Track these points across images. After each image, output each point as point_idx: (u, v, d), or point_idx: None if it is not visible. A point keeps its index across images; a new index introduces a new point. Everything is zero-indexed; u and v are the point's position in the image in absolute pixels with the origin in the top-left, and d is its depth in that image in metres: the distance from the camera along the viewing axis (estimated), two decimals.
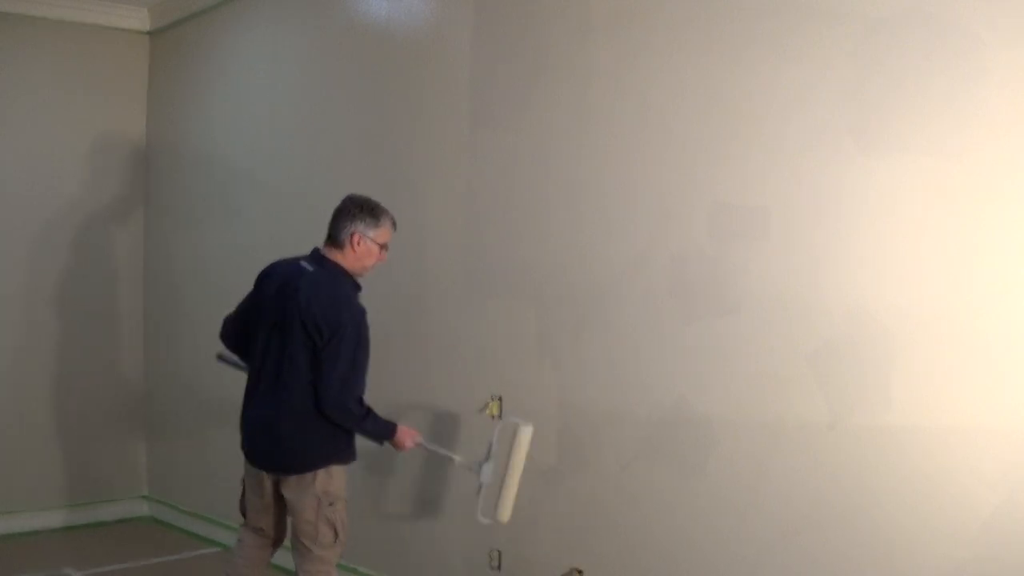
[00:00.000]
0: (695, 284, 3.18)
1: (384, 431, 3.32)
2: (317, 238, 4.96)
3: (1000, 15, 2.52)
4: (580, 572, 3.51)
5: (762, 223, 3.00)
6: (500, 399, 3.80)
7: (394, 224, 3.37)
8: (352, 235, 3.26)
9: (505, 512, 3.46)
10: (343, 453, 3.27)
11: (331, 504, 3.21)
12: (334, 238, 3.30)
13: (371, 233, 3.28)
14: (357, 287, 3.34)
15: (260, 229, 4.97)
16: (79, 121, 5.65)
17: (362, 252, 3.28)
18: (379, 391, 4.32)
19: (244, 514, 3.44)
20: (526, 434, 3.45)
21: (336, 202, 4.22)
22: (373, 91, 4.43)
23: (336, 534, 3.23)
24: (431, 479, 4.13)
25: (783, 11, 2.96)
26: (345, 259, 3.29)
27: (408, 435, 3.39)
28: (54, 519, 5.50)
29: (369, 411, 3.25)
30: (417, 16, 4.22)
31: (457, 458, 3.59)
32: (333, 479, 3.23)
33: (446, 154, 4.07)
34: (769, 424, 2.98)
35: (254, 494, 3.36)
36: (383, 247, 3.33)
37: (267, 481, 3.30)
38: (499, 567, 3.81)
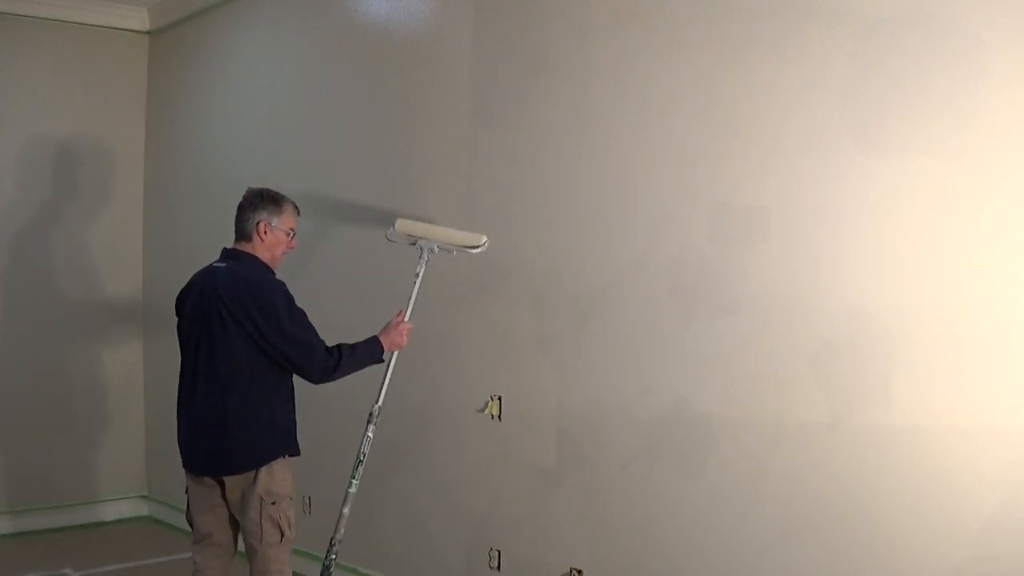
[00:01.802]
0: (695, 284, 3.18)
1: (372, 351, 3.36)
2: (316, 238, 4.97)
3: (1000, 15, 2.52)
4: (580, 572, 3.51)
5: (762, 223, 3.00)
6: (500, 399, 3.80)
7: (296, 209, 3.42)
8: (258, 224, 3.32)
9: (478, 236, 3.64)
10: (284, 448, 3.26)
11: (274, 503, 3.20)
12: (241, 231, 3.36)
13: (275, 220, 3.34)
14: (272, 275, 3.35)
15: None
16: (79, 121, 5.66)
17: (271, 241, 3.34)
18: (377, 391, 4.33)
19: (192, 525, 3.40)
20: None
21: (337, 201, 4.23)
22: (373, 91, 4.43)
23: (282, 532, 3.22)
24: (431, 479, 4.13)
25: (783, 11, 2.96)
26: (256, 251, 3.34)
27: (397, 334, 3.45)
28: (54, 519, 5.50)
29: (340, 351, 3.26)
30: (417, 16, 4.22)
31: (420, 272, 3.64)
32: (275, 478, 3.21)
33: (446, 154, 4.07)
34: (769, 424, 2.98)
35: (201, 500, 3.33)
36: (289, 233, 3.38)
37: (212, 485, 3.28)
38: (499, 567, 3.81)
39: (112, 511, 5.73)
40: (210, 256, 5.44)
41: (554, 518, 3.61)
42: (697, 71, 3.18)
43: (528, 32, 3.74)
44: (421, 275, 3.64)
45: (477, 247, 3.64)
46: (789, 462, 2.93)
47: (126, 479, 5.82)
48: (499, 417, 3.80)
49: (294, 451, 3.29)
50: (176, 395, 3.38)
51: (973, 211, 2.57)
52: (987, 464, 2.53)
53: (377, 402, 3.54)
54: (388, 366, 3.55)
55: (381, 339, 3.41)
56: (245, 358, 3.18)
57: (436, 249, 3.68)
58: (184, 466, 3.35)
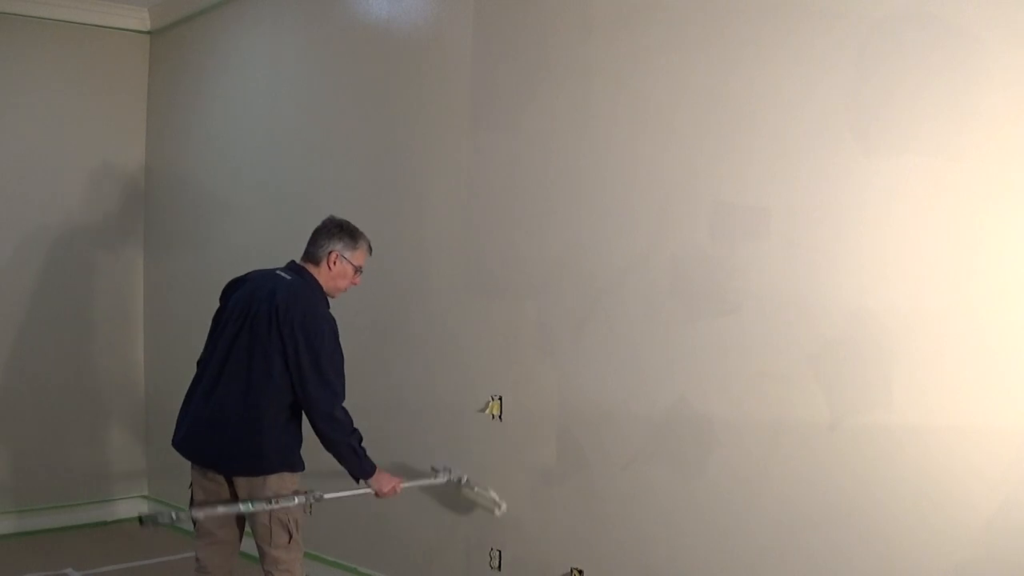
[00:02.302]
0: (696, 284, 3.18)
1: (366, 466, 3.29)
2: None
3: (1000, 15, 2.52)
4: (580, 572, 3.51)
5: (763, 223, 3.00)
6: (500, 399, 3.80)
7: (370, 249, 3.44)
8: (330, 253, 3.33)
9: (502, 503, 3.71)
10: (288, 464, 3.25)
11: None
12: (312, 255, 3.36)
13: (348, 254, 3.35)
14: (327, 304, 3.35)
15: (260, 229, 4.97)
16: (79, 121, 5.65)
17: (337, 272, 3.34)
18: (379, 391, 4.33)
19: (194, 521, 3.37)
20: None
21: (337, 201, 4.24)
22: (373, 91, 4.43)
23: (290, 534, 3.23)
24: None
25: (783, 11, 2.96)
26: (320, 276, 3.34)
27: (388, 481, 3.36)
28: (54, 519, 5.50)
29: (356, 430, 3.25)
30: (417, 16, 4.22)
31: (440, 479, 3.72)
32: (284, 481, 3.22)
33: (446, 154, 4.07)
34: (770, 424, 2.98)
35: (206, 497, 3.32)
36: (358, 270, 3.40)
37: (220, 483, 3.28)
38: (499, 567, 3.81)
39: (113, 511, 5.73)
40: (210, 256, 5.46)
41: (555, 518, 3.61)
42: (698, 71, 3.18)
43: (528, 32, 3.74)
44: (435, 481, 3.77)
45: (493, 500, 3.73)
46: (789, 462, 2.93)
47: (127, 479, 5.81)
48: (500, 417, 3.80)
49: (297, 468, 3.28)
50: (187, 382, 3.39)
51: (973, 211, 2.58)
52: (987, 464, 2.53)
53: (324, 495, 3.33)
54: (356, 490, 3.42)
55: (378, 472, 3.33)
56: (277, 371, 3.17)
57: (466, 479, 3.80)
58: (181, 450, 3.33)
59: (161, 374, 5.73)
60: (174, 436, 3.36)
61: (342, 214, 4.42)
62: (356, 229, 3.41)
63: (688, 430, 3.19)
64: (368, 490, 3.39)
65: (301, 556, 3.32)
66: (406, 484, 3.48)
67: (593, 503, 3.48)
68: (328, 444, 3.23)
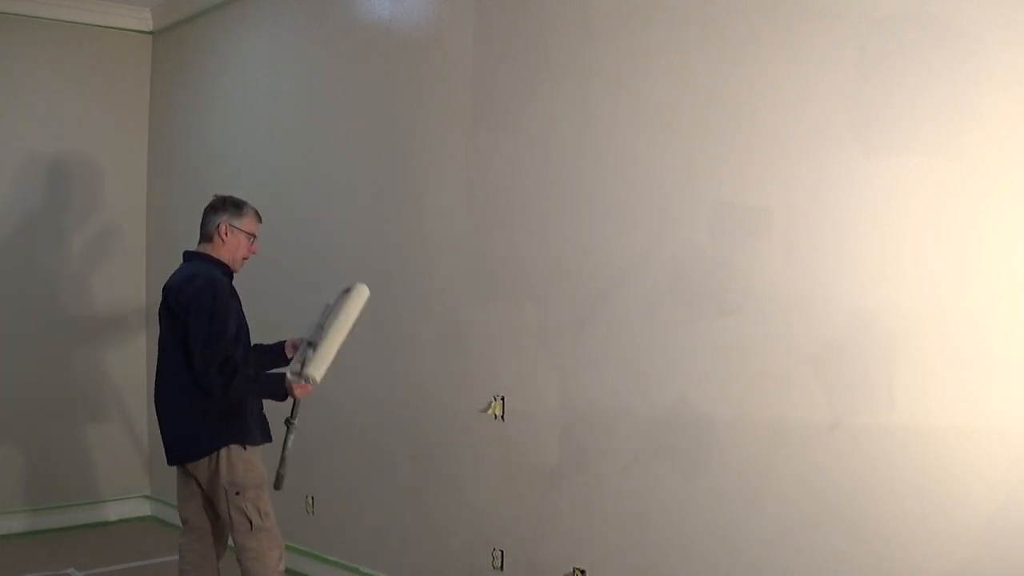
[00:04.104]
0: (696, 284, 3.18)
1: (277, 388, 3.29)
2: (316, 236, 4.97)
3: (1000, 15, 2.52)
4: (583, 572, 3.51)
5: (764, 223, 3.00)
6: (503, 399, 3.80)
7: (258, 216, 3.53)
8: (219, 226, 3.43)
9: (316, 369, 3.24)
10: (230, 438, 3.28)
11: (238, 493, 3.26)
12: (205, 233, 3.47)
13: (236, 222, 3.45)
14: (227, 273, 3.42)
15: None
16: (80, 121, 5.66)
17: (232, 243, 3.44)
18: (381, 391, 4.34)
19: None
20: (359, 294, 3.39)
21: (337, 201, 4.24)
22: (373, 91, 4.43)
23: (251, 521, 3.27)
24: (434, 479, 4.13)
25: (784, 11, 2.96)
26: (217, 252, 3.44)
27: (297, 385, 3.29)
28: (58, 519, 5.51)
29: (235, 373, 3.17)
30: (417, 16, 4.22)
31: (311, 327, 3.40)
32: (236, 469, 3.27)
33: (446, 154, 4.07)
34: (770, 424, 2.98)
35: (180, 486, 3.47)
36: (251, 237, 3.48)
37: (186, 472, 3.40)
38: (501, 567, 3.82)
39: (115, 511, 5.74)
40: None
41: (557, 518, 3.61)
42: (698, 71, 3.18)
43: (528, 32, 3.74)
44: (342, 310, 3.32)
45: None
46: (790, 462, 2.93)
47: (129, 479, 5.83)
48: (502, 417, 3.80)
49: (250, 441, 3.33)
50: None
51: (974, 211, 2.57)
52: (987, 464, 2.53)
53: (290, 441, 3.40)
54: (288, 436, 3.41)
55: (285, 379, 3.30)
56: (182, 352, 3.27)
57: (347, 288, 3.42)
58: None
59: None
60: None
61: (342, 214, 4.45)
62: (240, 200, 3.50)
63: (688, 430, 3.19)
64: (298, 402, 3.36)
65: (274, 544, 3.33)
66: (309, 367, 3.23)
67: (594, 503, 3.48)
68: (235, 394, 3.23)
